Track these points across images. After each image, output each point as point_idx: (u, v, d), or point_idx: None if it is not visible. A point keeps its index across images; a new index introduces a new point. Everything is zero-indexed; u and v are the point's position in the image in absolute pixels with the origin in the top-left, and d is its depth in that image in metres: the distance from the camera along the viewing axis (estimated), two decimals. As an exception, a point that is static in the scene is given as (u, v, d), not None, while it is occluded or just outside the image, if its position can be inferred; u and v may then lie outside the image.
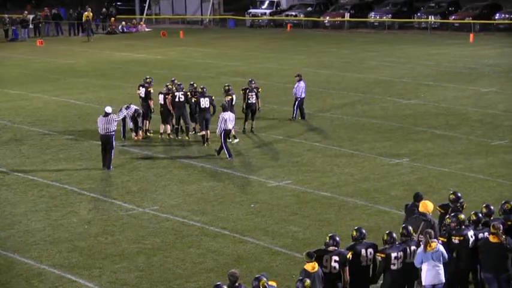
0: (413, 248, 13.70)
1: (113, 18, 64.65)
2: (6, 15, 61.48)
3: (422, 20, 60.42)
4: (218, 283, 12.02)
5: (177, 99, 26.05)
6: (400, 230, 13.91)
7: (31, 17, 61.48)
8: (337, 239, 13.45)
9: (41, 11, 63.58)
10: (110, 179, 22.43)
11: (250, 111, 27.21)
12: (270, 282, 12.18)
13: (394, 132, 27.37)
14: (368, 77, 38.71)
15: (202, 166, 23.48)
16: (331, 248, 13.32)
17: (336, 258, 13.24)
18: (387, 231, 13.74)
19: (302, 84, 29.05)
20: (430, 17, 60.08)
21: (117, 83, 37.18)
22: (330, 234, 13.62)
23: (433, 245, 13.46)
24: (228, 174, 22.71)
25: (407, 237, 13.77)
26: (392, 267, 13.44)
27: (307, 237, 17.63)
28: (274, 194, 20.80)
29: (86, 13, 60.98)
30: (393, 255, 13.44)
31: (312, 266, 12.73)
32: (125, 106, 25.82)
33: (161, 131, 26.70)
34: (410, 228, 13.94)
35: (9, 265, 16.44)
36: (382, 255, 13.47)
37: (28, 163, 24.06)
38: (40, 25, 61.76)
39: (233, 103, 26.20)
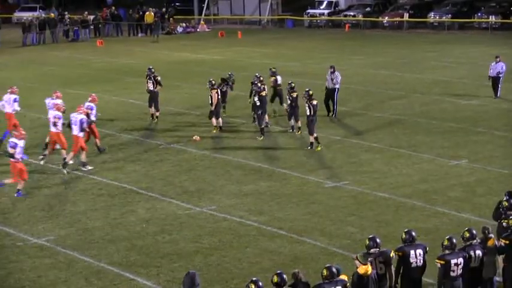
0: (478, 252, 13.38)
1: (172, 19, 65.05)
2: (67, 16, 62.29)
3: (483, 20, 59.67)
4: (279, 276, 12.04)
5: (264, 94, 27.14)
6: (463, 234, 13.61)
7: (91, 17, 62.20)
8: (378, 240, 13.32)
9: (101, 11, 64.29)
10: (168, 178, 22.58)
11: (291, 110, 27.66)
12: (341, 276, 12.19)
13: (453, 133, 27.09)
14: (427, 78, 38.37)
15: (259, 166, 23.51)
16: (372, 250, 13.23)
17: (380, 259, 13.15)
18: (447, 237, 13.40)
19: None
20: (490, 17, 59.30)
21: (175, 83, 37.39)
22: (369, 236, 13.48)
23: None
24: (285, 174, 22.70)
25: (471, 240, 13.48)
26: (452, 273, 13.12)
27: (365, 239, 17.48)
28: (331, 195, 20.73)
29: (148, 13, 61.58)
30: (453, 261, 13.10)
31: (366, 269, 12.64)
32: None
33: (214, 124, 27.52)
34: (474, 231, 13.59)
35: (69, 263, 16.65)
36: (442, 261, 13.11)
37: (88, 162, 24.30)
38: (100, 25, 62.45)
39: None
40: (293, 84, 26.66)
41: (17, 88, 27.62)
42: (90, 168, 23.46)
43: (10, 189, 21.45)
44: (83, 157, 23.61)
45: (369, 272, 12.62)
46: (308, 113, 24.83)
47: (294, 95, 26.36)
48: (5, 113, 27.12)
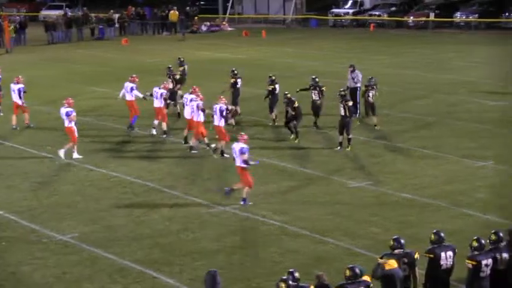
0: (504, 255, 13.24)
1: (196, 17, 65.12)
2: (92, 14, 62.54)
3: (510, 19, 59.23)
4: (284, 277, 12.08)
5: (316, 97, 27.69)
6: (490, 236, 13.49)
7: (117, 15, 62.41)
8: (402, 241, 13.28)
9: (126, 10, 64.46)
10: (191, 177, 22.61)
11: (313, 109, 27.84)
12: (364, 277, 12.19)
13: (479, 133, 26.94)
14: (452, 78, 38.17)
15: (283, 166, 23.49)
16: (397, 251, 13.18)
17: (404, 260, 13.10)
18: (475, 237, 13.34)
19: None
20: (518, 16, 58.89)
21: (199, 81, 37.41)
22: (394, 237, 13.47)
23: None
24: (309, 174, 22.67)
25: (499, 243, 13.36)
26: (482, 274, 13.02)
27: (388, 239, 17.42)
28: (354, 195, 20.68)
29: (173, 12, 61.73)
30: (484, 262, 13.01)
31: (391, 264, 12.62)
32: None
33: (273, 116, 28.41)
34: (501, 233, 13.47)
35: (93, 260, 16.73)
36: (473, 262, 13.01)
37: (112, 160, 24.44)
38: (125, 24, 62.64)
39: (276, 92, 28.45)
40: (289, 95, 26.57)
41: (137, 77, 28.73)
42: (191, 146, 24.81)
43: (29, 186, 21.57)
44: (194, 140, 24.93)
45: (395, 266, 12.60)
46: (343, 114, 24.79)
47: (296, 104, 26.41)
48: (126, 100, 28.18)
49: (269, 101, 28.80)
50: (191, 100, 25.32)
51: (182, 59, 33.14)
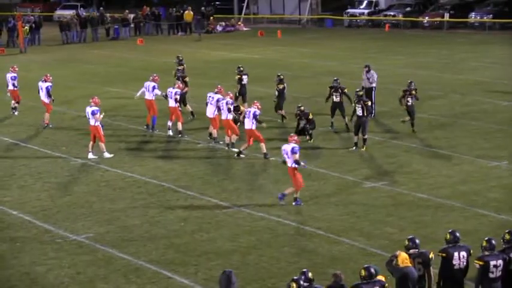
0: None
1: (212, 17, 65.14)
2: (107, 14, 62.66)
3: (525, 20, 58.99)
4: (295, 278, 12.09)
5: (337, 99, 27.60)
6: (504, 235, 13.46)
7: (132, 16, 62.53)
8: (417, 241, 13.28)
9: (141, 10, 64.56)
10: (206, 177, 22.64)
11: (333, 109, 27.69)
12: (379, 277, 12.18)
13: (493, 134, 26.85)
14: (467, 78, 38.06)
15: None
16: (411, 251, 13.17)
17: (419, 259, 13.08)
18: (486, 238, 13.34)
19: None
20: (533, 17, 58.60)
21: (214, 81, 37.45)
22: (408, 237, 13.47)
23: None
24: (324, 174, 22.66)
25: (510, 243, 13.34)
26: (491, 275, 13.01)
27: (403, 239, 17.39)
28: (369, 195, 20.65)
29: (188, 12, 61.79)
30: (492, 263, 13.00)
31: (403, 257, 12.63)
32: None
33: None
34: None
35: (108, 260, 16.77)
36: (481, 262, 13.04)
37: (127, 160, 24.49)
38: (141, 24, 62.74)
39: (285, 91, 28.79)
40: (302, 107, 26.72)
41: (158, 76, 28.85)
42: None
43: (46, 185, 21.64)
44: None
45: (409, 264, 12.59)
46: (360, 114, 24.71)
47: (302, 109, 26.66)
48: (145, 100, 28.24)
49: (277, 100, 29.04)
50: (218, 100, 25.41)
51: (181, 58, 33.20)
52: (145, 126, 28.30)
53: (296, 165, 19.68)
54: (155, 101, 28.10)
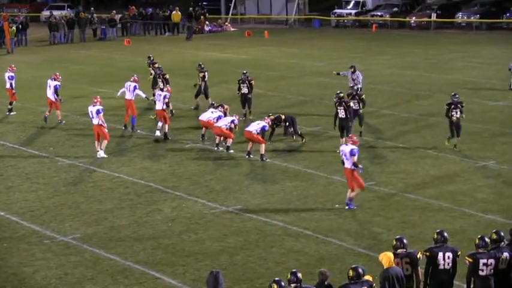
0: (505, 254, 13.20)
1: (202, 17, 64.83)
2: (95, 15, 62.52)
3: None
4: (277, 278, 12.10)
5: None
6: (491, 235, 13.45)
7: (119, 16, 62.40)
8: (405, 241, 13.29)
9: (128, 10, 64.43)
10: (194, 177, 22.62)
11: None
12: (366, 277, 12.19)
13: (481, 134, 26.92)
14: (454, 78, 38.14)
15: (285, 166, 23.49)
16: (399, 251, 13.19)
17: (407, 259, 13.10)
18: (479, 236, 13.35)
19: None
20: (519, 17, 58.81)
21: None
22: (396, 237, 13.48)
23: None
24: (311, 174, 22.67)
25: (499, 242, 13.31)
26: (481, 273, 13.05)
27: (391, 239, 17.42)
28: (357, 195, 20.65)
29: (175, 12, 61.71)
30: (482, 261, 13.03)
31: (389, 257, 12.67)
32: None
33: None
34: (502, 233, 13.45)
35: (95, 261, 16.73)
36: (470, 259, 13.11)
37: (114, 160, 24.45)
38: (128, 24, 62.63)
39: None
40: (283, 116, 26.58)
41: (137, 77, 29.11)
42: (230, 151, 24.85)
43: (38, 187, 21.57)
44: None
45: (393, 260, 12.61)
46: (343, 116, 24.49)
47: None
48: (125, 99, 28.39)
49: (241, 97, 29.48)
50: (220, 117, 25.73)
51: (152, 58, 33.36)
52: (123, 127, 28.20)
53: (354, 168, 19.39)
54: (134, 101, 28.19)
